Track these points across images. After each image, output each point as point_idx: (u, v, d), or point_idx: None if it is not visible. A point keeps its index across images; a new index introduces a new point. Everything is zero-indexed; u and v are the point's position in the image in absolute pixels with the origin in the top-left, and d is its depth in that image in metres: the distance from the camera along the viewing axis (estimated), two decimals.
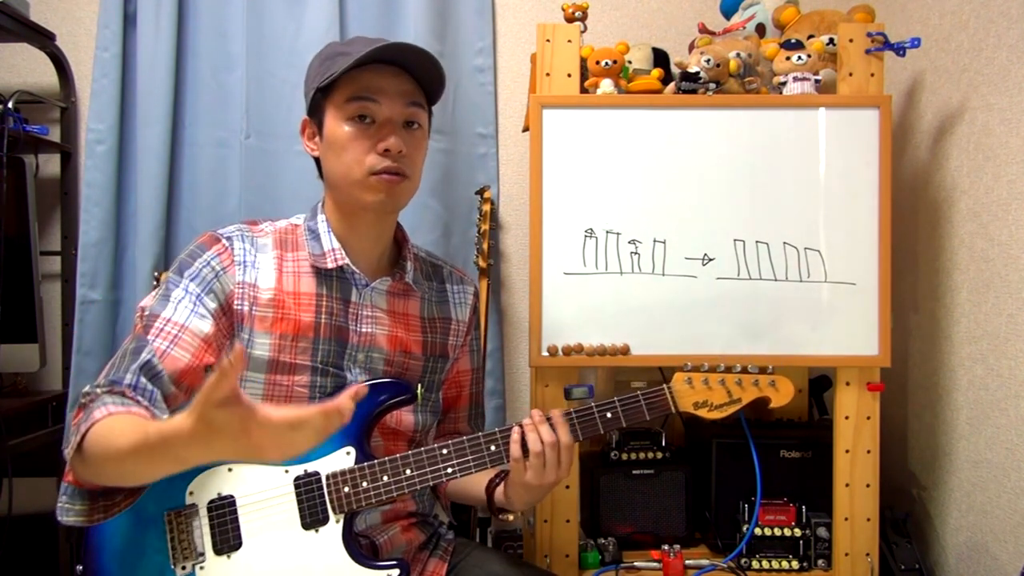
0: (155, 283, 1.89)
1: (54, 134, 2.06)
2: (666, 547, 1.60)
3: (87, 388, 1.09)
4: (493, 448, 1.18)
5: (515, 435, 1.17)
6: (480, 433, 1.19)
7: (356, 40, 1.20)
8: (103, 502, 1.09)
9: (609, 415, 1.21)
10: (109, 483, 1.07)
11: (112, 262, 1.98)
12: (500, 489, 1.25)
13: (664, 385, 1.25)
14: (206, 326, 1.15)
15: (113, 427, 0.99)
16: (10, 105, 1.86)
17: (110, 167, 1.96)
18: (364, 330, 1.24)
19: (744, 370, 1.26)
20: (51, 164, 2.10)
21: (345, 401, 0.90)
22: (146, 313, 1.15)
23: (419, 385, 1.25)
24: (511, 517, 1.27)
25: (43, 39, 1.99)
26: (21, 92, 1.93)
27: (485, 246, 1.95)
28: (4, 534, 1.74)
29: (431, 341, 1.31)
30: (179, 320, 1.14)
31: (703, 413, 1.25)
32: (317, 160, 1.27)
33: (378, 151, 1.16)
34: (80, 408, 1.07)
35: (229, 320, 1.18)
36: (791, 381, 1.27)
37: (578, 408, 1.21)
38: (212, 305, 1.16)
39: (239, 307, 1.18)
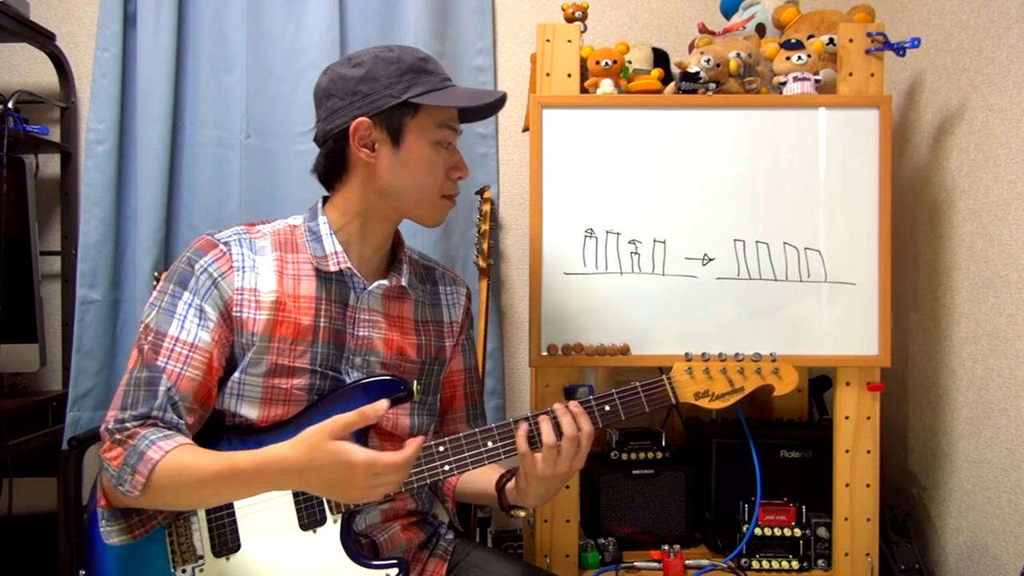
0: (155, 283, 1.89)
1: (54, 134, 2.06)
2: (666, 547, 1.60)
3: (111, 424, 1.09)
4: (490, 444, 1.17)
5: (521, 430, 1.16)
6: (477, 429, 1.18)
7: (430, 58, 1.22)
8: (137, 518, 1.13)
9: (608, 408, 1.20)
10: (172, 509, 1.13)
11: (112, 262, 1.98)
12: (511, 485, 1.23)
13: (664, 376, 1.22)
14: (211, 339, 1.14)
15: (184, 460, 1.05)
16: (10, 105, 1.86)
17: (110, 167, 1.96)
18: (361, 334, 1.23)
19: (746, 358, 1.24)
20: (51, 164, 2.10)
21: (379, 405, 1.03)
22: (152, 331, 1.14)
23: (415, 382, 1.25)
24: (523, 514, 1.25)
25: (43, 39, 1.99)
26: (21, 92, 1.93)
27: (485, 246, 1.95)
28: (4, 534, 1.74)
29: (426, 344, 1.31)
30: (187, 339, 1.13)
31: (704, 403, 1.23)
32: (343, 165, 1.22)
33: (452, 177, 1.24)
34: (115, 444, 1.08)
35: (229, 327, 1.17)
36: (794, 369, 1.26)
37: (577, 402, 1.20)
38: (213, 315, 1.15)
39: (238, 313, 1.16)
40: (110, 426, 1.09)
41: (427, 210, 1.24)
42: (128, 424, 1.08)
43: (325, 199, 1.27)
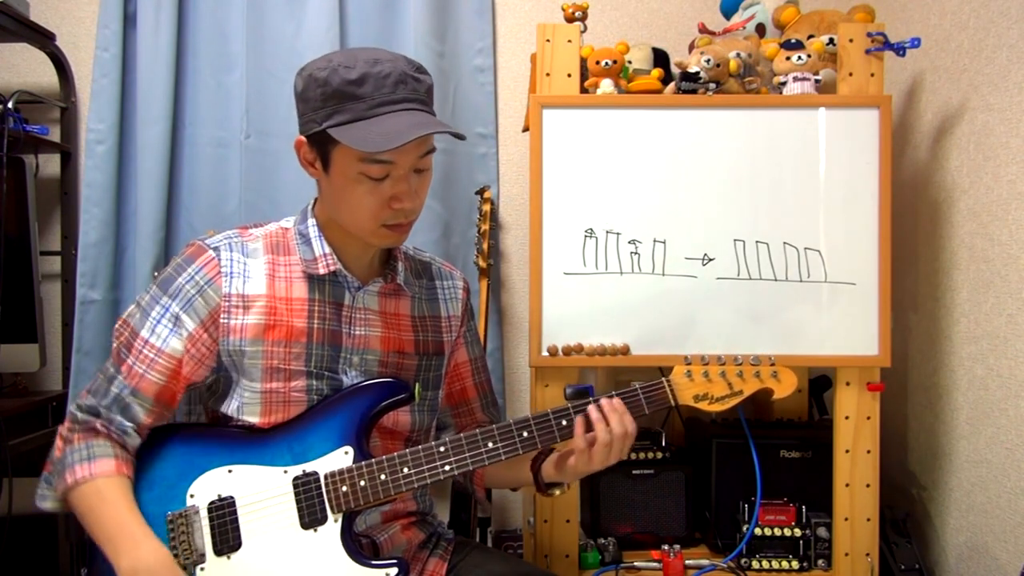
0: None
1: (54, 134, 2.06)
2: (666, 547, 1.60)
3: (72, 406, 1.18)
4: (490, 444, 1.18)
5: (579, 425, 1.18)
6: (478, 430, 1.19)
7: (367, 77, 1.09)
8: None
9: None
10: None
11: (112, 262, 1.99)
12: (549, 465, 1.24)
13: (663, 378, 1.23)
14: (183, 346, 1.16)
15: (90, 501, 1.11)
16: (10, 105, 1.86)
17: (110, 167, 1.96)
18: (358, 333, 1.23)
19: (745, 361, 1.24)
20: (51, 164, 2.10)
21: None
22: (128, 328, 1.18)
23: (416, 384, 1.25)
24: (558, 492, 1.27)
25: (43, 39, 1.99)
26: (21, 92, 1.93)
27: (485, 246, 1.95)
28: (4, 534, 1.74)
29: (423, 339, 1.31)
30: (156, 343, 1.16)
31: (703, 406, 1.23)
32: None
33: (392, 207, 1.14)
34: (62, 437, 1.17)
35: (213, 335, 1.17)
36: (793, 372, 1.26)
37: (575, 404, 1.20)
38: (192, 324, 1.16)
39: (225, 320, 1.17)
40: (71, 408, 1.18)
41: (366, 235, 1.18)
42: (80, 417, 1.16)
43: (316, 200, 1.27)
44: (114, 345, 1.19)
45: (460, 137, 1.17)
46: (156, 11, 1.95)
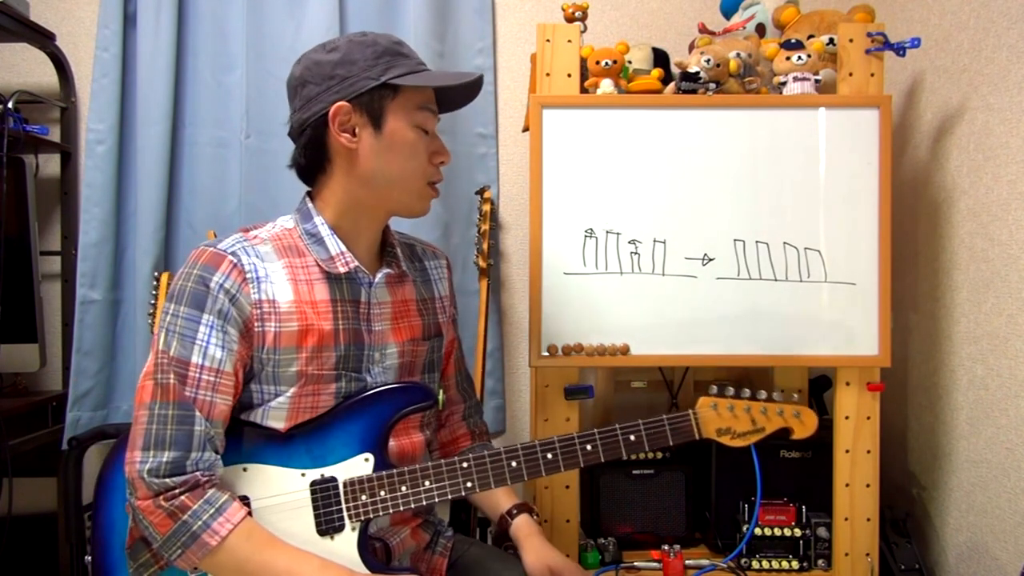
0: (155, 283, 1.89)
1: (54, 134, 2.06)
2: (666, 547, 1.60)
3: (144, 474, 1.04)
4: (514, 464, 1.17)
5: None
6: (501, 448, 1.18)
7: (404, 43, 1.20)
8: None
9: (633, 438, 1.20)
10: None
11: (112, 262, 1.98)
12: (517, 527, 1.30)
13: (690, 411, 1.23)
14: (235, 361, 1.11)
15: (243, 552, 1.06)
16: (10, 105, 1.86)
17: (110, 167, 1.96)
18: (376, 328, 1.22)
19: (770, 399, 1.24)
20: (51, 164, 2.10)
21: None
22: (173, 360, 1.08)
23: (440, 391, 1.25)
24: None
25: (43, 39, 1.99)
26: (21, 92, 1.93)
27: (485, 246, 1.95)
28: (4, 534, 1.74)
29: (427, 323, 1.31)
30: (212, 365, 1.09)
31: (725, 440, 1.24)
32: (324, 155, 1.19)
33: (434, 162, 1.21)
34: (160, 510, 1.04)
35: (248, 343, 1.12)
36: (815, 414, 1.26)
37: (602, 429, 1.19)
38: (235, 334, 1.11)
39: (259, 328, 1.12)
40: (145, 476, 1.04)
41: (413, 198, 1.20)
42: (168, 482, 1.04)
43: (311, 196, 1.24)
44: (167, 381, 1.07)
45: (477, 88, 1.25)
46: (156, 11, 1.95)
